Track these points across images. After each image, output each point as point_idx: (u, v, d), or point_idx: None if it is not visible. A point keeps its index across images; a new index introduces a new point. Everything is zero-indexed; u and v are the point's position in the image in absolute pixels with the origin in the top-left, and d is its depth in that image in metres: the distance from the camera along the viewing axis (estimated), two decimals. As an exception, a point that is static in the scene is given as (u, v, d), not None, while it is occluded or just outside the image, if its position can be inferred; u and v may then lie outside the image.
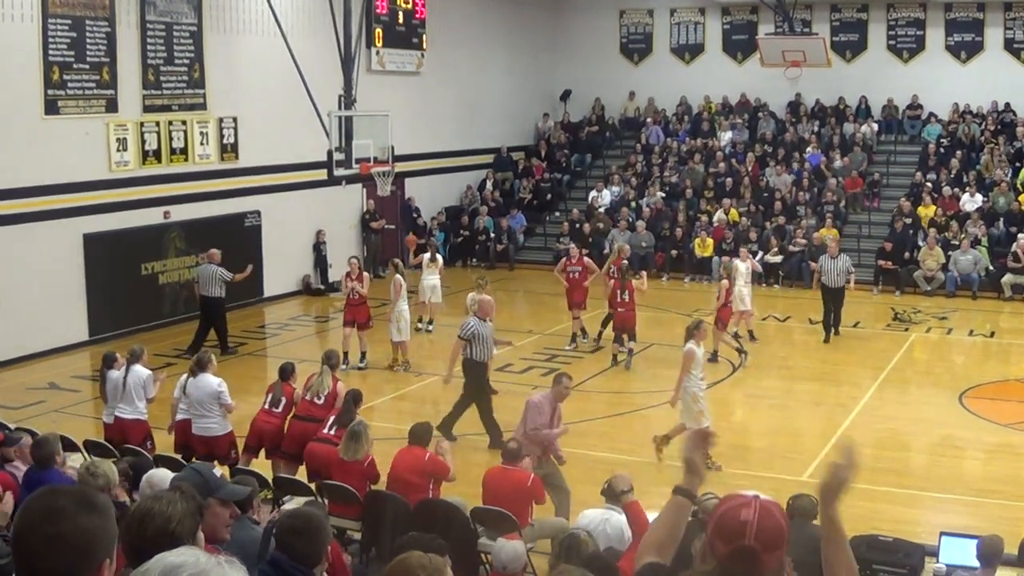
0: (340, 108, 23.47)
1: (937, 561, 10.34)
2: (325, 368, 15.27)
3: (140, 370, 15.36)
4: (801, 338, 26.12)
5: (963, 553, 10.19)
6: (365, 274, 22.74)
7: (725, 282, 23.33)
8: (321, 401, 14.87)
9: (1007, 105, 36.07)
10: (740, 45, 39.60)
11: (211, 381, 14.81)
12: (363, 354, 22.54)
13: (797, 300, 29.52)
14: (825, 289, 25.06)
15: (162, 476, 8.41)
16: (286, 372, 15.45)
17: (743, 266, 24.47)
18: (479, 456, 15.94)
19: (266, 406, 15.17)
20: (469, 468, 14.03)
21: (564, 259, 25.62)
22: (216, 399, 14.70)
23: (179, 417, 15.03)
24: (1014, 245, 29.98)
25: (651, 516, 11.86)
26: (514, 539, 10.43)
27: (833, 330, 24.95)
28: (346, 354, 21.78)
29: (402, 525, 11.12)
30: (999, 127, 35.70)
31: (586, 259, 25.48)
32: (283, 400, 15.14)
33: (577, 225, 34.39)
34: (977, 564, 9.61)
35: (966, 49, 37.08)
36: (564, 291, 24.94)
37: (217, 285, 23.83)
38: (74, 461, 12.30)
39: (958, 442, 18.17)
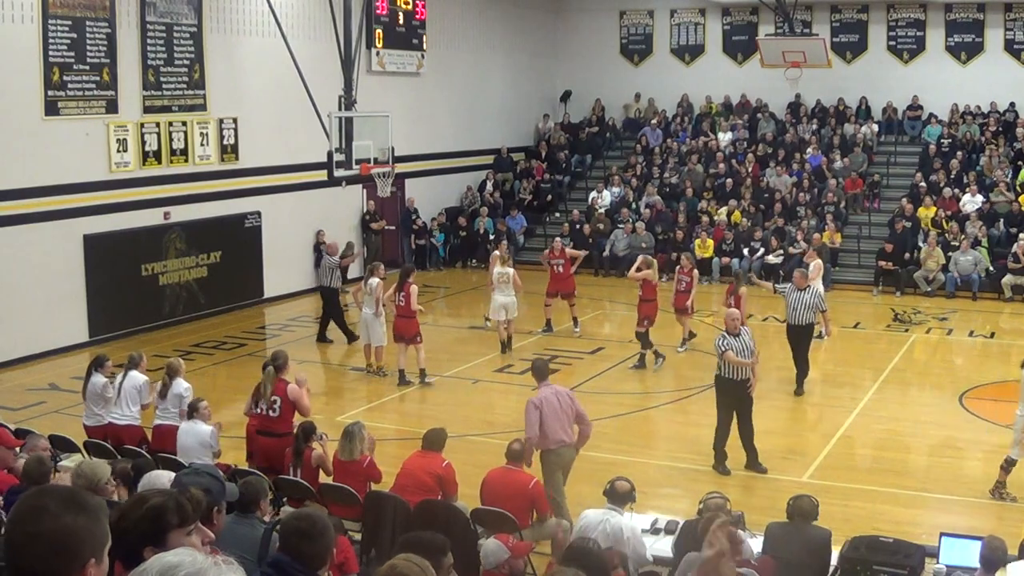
0: (340, 109, 23.45)
1: (937, 562, 10.32)
2: (269, 371, 14.69)
3: (137, 376, 15.40)
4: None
5: (963, 554, 10.18)
6: (413, 287, 21.52)
7: (696, 271, 24.08)
8: (276, 414, 14.41)
9: (1011, 105, 36.13)
10: (740, 46, 39.66)
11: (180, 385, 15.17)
12: (423, 371, 21.47)
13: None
14: (788, 328, 21.15)
15: (161, 477, 8.39)
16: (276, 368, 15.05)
17: (812, 265, 24.75)
18: (482, 457, 15.90)
19: (252, 410, 14.87)
20: (471, 470, 14.01)
21: (547, 252, 26.03)
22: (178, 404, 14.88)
23: (156, 422, 15.15)
24: (1014, 246, 29.99)
25: (652, 516, 11.93)
26: (501, 537, 10.46)
27: (796, 386, 20.83)
28: (402, 372, 21.45)
29: (402, 526, 11.13)
30: (999, 128, 35.72)
31: (568, 250, 26.01)
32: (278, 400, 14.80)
33: (577, 226, 34.39)
34: (977, 565, 9.60)
35: (966, 50, 37.12)
36: (548, 281, 25.51)
37: (333, 276, 24.58)
38: (73, 462, 12.31)
39: (958, 443, 18.16)
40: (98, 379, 15.44)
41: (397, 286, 21.41)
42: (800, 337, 20.85)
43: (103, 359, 15.89)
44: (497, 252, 25.27)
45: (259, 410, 14.58)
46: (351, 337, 24.13)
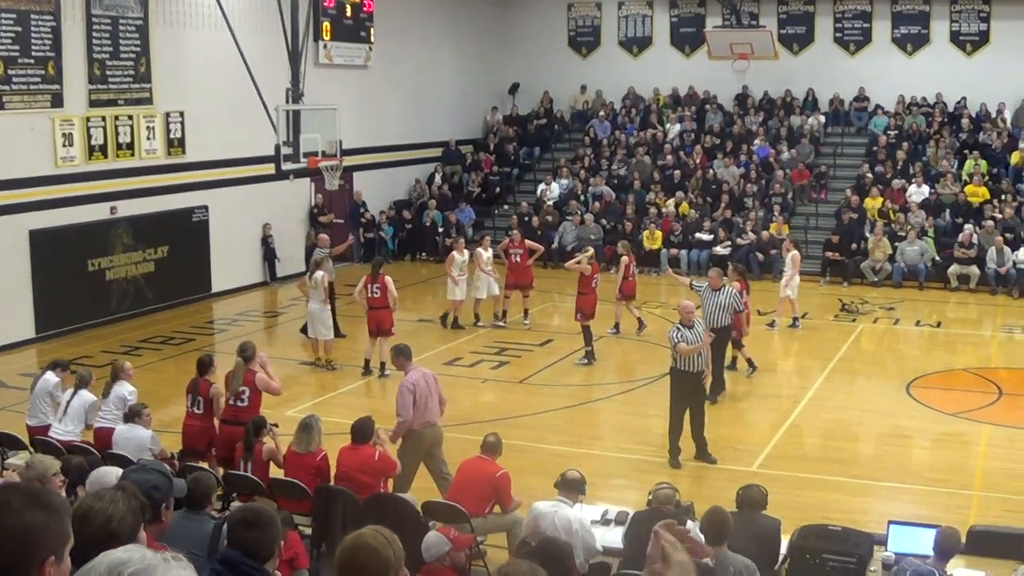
0: (288, 102, 23.43)
1: (886, 549, 10.41)
2: (238, 362, 14.78)
3: (87, 396, 15.10)
4: (750, 328, 26.20)
5: (911, 541, 10.26)
6: (388, 278, 21.61)
7: (626, 258, 24.15)
8: (245, 403, 14.45)
9: (963, 100, 36.32)
10: (688, 38, 39.73)
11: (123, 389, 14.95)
12: (382, 365, 21.39)
13: (746, 292, 29.65)
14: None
15: (109, 475, 8.32)
16: (204, 366, 15.10)
17: (787, 257, 25.10)
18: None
19: (188, 407, 14.94)
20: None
21: (506, 241, 26.09)
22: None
23: (97, 425, 14.92)
24: (960, 235, 30.21)
25: (602, 508, 11.96)
26: (442, 530, 10.48)
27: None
28: (367, 362, 21.55)
29: (352, 520, 11.12)
30: (945, 119, 36.00)
31: (527, 241, 26.16)
32: (201, 400, 14.78)
33: (526, 218, 34.39)
34: (924, 552, 9.68)
35: (912, 41, 37.35)
36: (505, 272, 25.79)
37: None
38: (20, 459, 12.23)
39: (906, 431, 18.32)
40: (51, 377, 15.25)
41: (370, 278, 21.41)
42: (717, 339, 18.63)
43: (65, 364, 15.73)
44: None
45: (230, 400, 14.56)
46: (337, 333, 23.50)
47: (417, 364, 21.22)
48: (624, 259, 24.09)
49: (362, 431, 12.74)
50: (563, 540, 8.57)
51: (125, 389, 14.88)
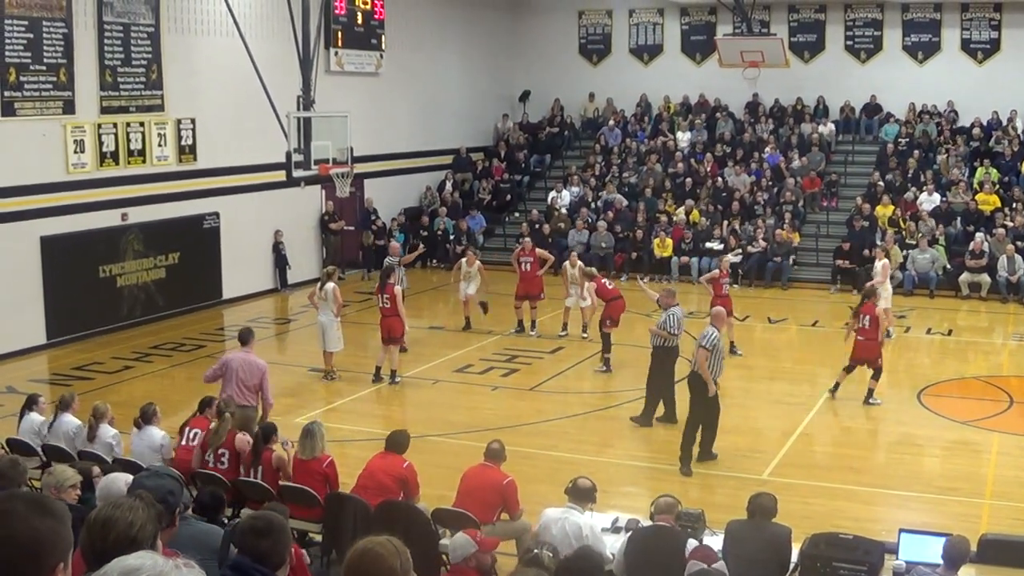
0: (298, 109, 23.36)
1: (897, 558, 10.38)
2: (225, 418, 13.67)
3: (107, 429, 14.69)
4: (761, 336, 26.21)
5: (922, 550, 10.23)
6: (397, 288, 21.59)
7: (717, 271, 23.80)
8: (225, 466, 13.38)
9: (974, 106, 36.24)
10: (698, 46, 39.75)
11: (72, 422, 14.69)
12: (393, 372, 21.48)
13: (756, 300, 29.63)
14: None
15: (118, 481, 8.32)
16: (202, 405, 14.57)
17: (878, 265, 24.61)
18: (442, 458, 15.90)
19: (186, 442, 14.21)
20: (432, 470, 13.99)
21: (518, 249, 26.13)
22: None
23: None
24: (971, 243, 30.16)
25: (612, 515, 11.93)
26: (469, 532, 10.47)
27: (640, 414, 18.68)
28: (378, 369, 21.55)
29: (363, 527, 11.10)
30: (955, 127, 35.97)
31: (538, 250, 26.08)
32: (199, 432, 14.00)
33: (537, 226, 34.37)
34: (936, 561, 9.65)
35: (923, 49, 37.34)
36: (517, 282, 25.64)
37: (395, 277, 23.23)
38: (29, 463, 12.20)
39: (917, 440, 18.26)
40: (71, 420, 14.93)
41: (379, 287, 21.45)
42: (652, 361, 18.56)
43: (35, 397, 15.55)
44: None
45: (210, 462, 13.50)
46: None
47: (427, 370, 21.33)
48: (716, 272, 23.66)
49: (395, 442, 12.71)
50: (596, 553, 8.58)
51: (108, 434, 14.31)
